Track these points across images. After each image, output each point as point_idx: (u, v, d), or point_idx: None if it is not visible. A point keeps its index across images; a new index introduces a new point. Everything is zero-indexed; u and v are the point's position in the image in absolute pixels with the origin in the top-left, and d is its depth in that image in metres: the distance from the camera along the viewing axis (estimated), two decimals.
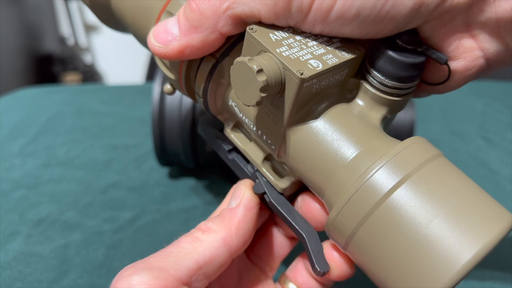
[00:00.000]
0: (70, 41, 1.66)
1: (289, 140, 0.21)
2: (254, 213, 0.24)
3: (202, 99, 0.24)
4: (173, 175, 0.48)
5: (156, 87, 0.42)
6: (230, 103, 0.24)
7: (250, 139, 0.25)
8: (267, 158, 0.25)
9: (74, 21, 1.63)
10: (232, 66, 0.20)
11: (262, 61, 0.19)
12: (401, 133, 0.42)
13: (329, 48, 0.20)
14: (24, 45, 1.46)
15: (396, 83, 0.20)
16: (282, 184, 0.24)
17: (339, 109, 0.21)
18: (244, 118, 0.23)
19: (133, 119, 0.58)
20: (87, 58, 1.72)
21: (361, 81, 0.22)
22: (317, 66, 0.19)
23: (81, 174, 0.47)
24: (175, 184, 0.47)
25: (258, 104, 0.19)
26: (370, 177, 0.19)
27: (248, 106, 0.20)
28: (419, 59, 0.20)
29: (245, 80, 0.19)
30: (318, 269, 0.22)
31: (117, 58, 1.60)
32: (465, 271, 0.17)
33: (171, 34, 0.22)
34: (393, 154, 0.19)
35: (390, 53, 0.20)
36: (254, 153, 0.25)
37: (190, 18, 0.21)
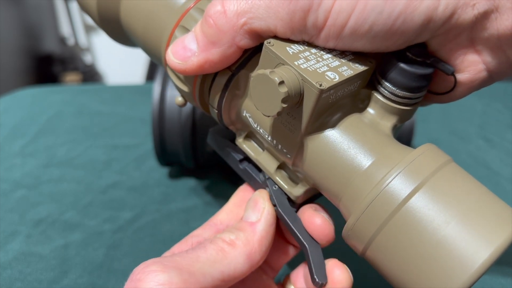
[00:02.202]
0: (70, 41, 1.66)
1: (305, 149, 0.22)
2: (274, 228, 0.25)
3: (216, 111, 0.25)
4: (173, 175, 0.48)
5: (156, 87, 0.42)
6: (244, 114, 0.24)
7: (263, 149, 0.26)
8: (280, 166, 0.25)
9: (74, 21, 1.63)
10: (252, 79, 0.20)
11: (283, 73, 0.19)
12: (402, 133, 0.42)
13: (343, 61, 0.21)
14: (24, 45, 1.46)
15: (406, 93, 0.21)
16: (296, 192, 0.25)
17: (353, 119, 0.22)
18: (258, 128, 0.24)
19: (133, 119, 0.58)
20: (87, 58, 1.72)
21: (373, 92, 0.22)
22: (334, 77, 0.20)
23: (81, 174, 0.47)
24: (175, 184, 0.47)
25: (278, 114, 0.20)
26: (388, 184, 0.19)
27: (268, 116, 0.21)
28: (428, 71, 0.21)
29: (266, 92, 0.20)
30: (317, 280, 0.23)
31: (117, 58, 1.60)
32: (481, 271, 0.18)
33: (190, 50, 0.22)
34: (408, 161, 0.20)
35: (402, 65, 0.21)
36: (267, 162, 0.25)
37: (208, 33, 0.22)
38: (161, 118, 0.41)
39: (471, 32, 0.20)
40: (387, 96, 0.22)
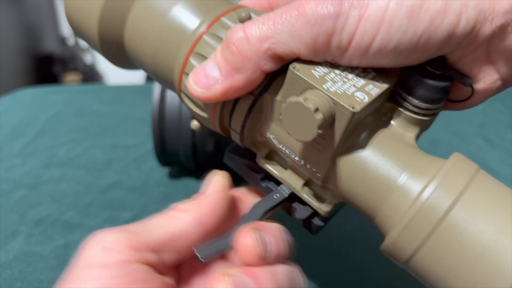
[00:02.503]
0: (70, 41, 1.66)
1: (337, 167, 0.22)
2: (225, 195, 0.25)
3: (239, 135, 0.25)
4: (173, 175, 0.48)
5: (156, 87, 0.42)
6: (267, 136, 0.24)
7: (285, 167, 0.26)
8: (306, 183, 0.25)
9: None
10: (285, 106, 0.20)
11: (315, 99, 0.20)
12: None
13: (368, 79, 0.22)
14: (24, 45, 1.46)
15: (429, 105, 0.22)
16: (326, 207, 0.25)
17: (381, 135, 0.23)
18: (284, 149, 0.24)
19: (133, 119, 0.58)
20: (87, 58, 1.72)
21: (395, 106, 0.23)
22: (363, 98, 0.20)
23: (81, 174, 0.47)
24: (175, 184, 0.47)
25: (313, 140, 0.20)
26: (427, 199, 0.20)
27: (302, 141, 0.21)
28: (448, 83, 0.22)
29: (300, 119, 0.20)
30: (197, 253, 0.24)
31: None
32: None
33: (212, 78, 0.22)
34: (443, 175, 0.20)
35: (426, 80, 0.22)
36: (292, 180, 0.25)
37: (231, 60, 0.22)
38: (161, 118, 0.41)
39: (488, 45, 0.21)
40: (410, 108, 0.23)
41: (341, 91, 0.20)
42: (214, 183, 0.26)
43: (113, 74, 1.76)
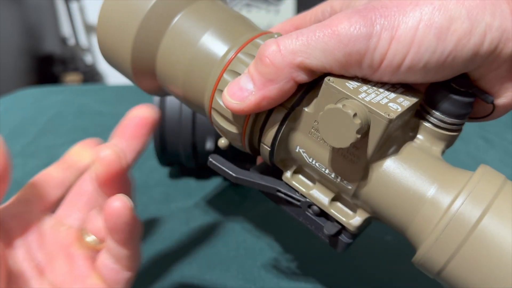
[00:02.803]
0: (71, 41, 1.66)
1: (368, 180, 0.23)
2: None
3: (269, 149, 0.25)
4: (174, 175, 0.48)
5: None
6: (297, 150, 0.25)
7: (314, 182, 0.26)
8: (334, 199, 0.26)
9: (75, 22, 1.63)
10: (322, 114, 0.21)
11: (353, 106, 0.20)
12: None
13: (398, 93, 0.23)
14: (25, 46, 1.46)
15: (455, 119, 0.23)
16: (355, 222, 0.25)
17: (409, 148, 0.23)
18: (314, 162, 0.24)
19: None
20: (87, 58, 1.73)
21: (421, 121, 0.24)
22: (396, 108, 0.21)
23: None
24: (175, 184, 0.47)
25: (350, 145, 0.21)
26: (458, 210, 0.21)
27: (338, 148, 0.22)
28: (472, 99, 0.23)
29: (338, 125, 0.21)
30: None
31: None
32: None
33: (246, 91, 0.23)
34: (472, 187, 0.21)
35: (453, 96, 0.23)
36: (320, 196, 0.26)
37: (264, 72, 0.22)
38: (162, 118, 0.42)
39: (511, 63, 0.22)
40: (436, 124, 0.23)
41: (375, 101, 0.21)
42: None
43: (114, 74, 1.76)
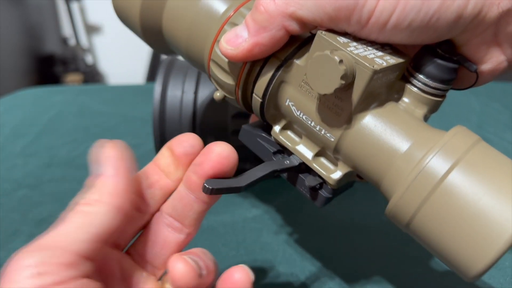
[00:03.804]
0: (72, 42, 1.67)
1: (350, 131, 0.24)
2: (126, 169, 0.24)
3: (261, 100, 0.27)
4: None
5: (157, 87, 0.42)
6: (287, 103, 0.26)
7: (300, 138, 0.27)
8: (318, 154, 0.27)
9: (76, 22, 1.63)
10: (310, 60, 0.23)
11: (341, 55, 0.22)
12: None
13: (385, 53, 0.24)
14: (25, 46, 1.46)
15: (438, 84, 0.24)
16: (336, 176, 0.26)
17: (391, 105, 0.24)
18: (301, 115, 0.26)
19: (134, 119, 0.58)
20: (88, 59, 1.73)
21: (407, 84, 0.25)
22: (382, 63, 0.22)
23: (83, 174, 0.47)
24: None
25: (335, 91, 0.22)
26: (427, 163, 0.22)
27: (323, 94, 0.23)
28: (456, 65, 0.24)
29: (325, 70, 0.22)
30: (206, 185, 0.23)
31: (118, 59, 1.61)
32: None
33: (241, 37, 0.24)
34: (443, 142, 0.22)
35: (438, 60, 0.24)
36: (305, 150, 0.27)
37: (258, 19, 0.24)
38: (162, 119, 0.42)
39: (495, 28, 0.23)
40: (420, 87, 0.24)
41: (363, 54, 0.22)
42: (108, 159, 0.24)
43: (114, 74, 1.76)
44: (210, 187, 0.23)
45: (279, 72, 0.25)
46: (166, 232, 0.26)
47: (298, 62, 0.25)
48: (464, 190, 0.21)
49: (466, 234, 0.21)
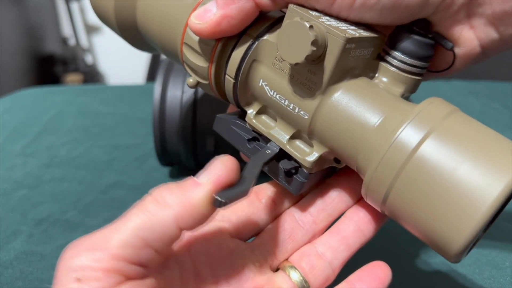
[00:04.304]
0: (72, 42, 1.66)
1: (323, 106, 0.23)
2: (219, 185, 0.22)
3: (233, 81, 0.26)
4: (174, 175, 0.48)
5: (157, 87, 0.42)
6: (260, 84, 0.25)
7: (275, 121, 0.26)
8: (293, 137, 0.26)
9: (76, 22, 1.63)
10: (280, 29, 0.22)
11: (312, 22, 0.21)
12: None
13: (359, 28, 0.23)
14: (25, 46, 1.46)
15: (413, 60, 0.24)
16: (310, 158, 0.25)
17: (364, 80, 0.24)
18: (275, 95, 0.25)
19: (134, 119, 0.58)
20: (88, 59, 1.73)
21: (382, 63, 0.24)
22: (354, 33, 0.22)
23: (82, 174, 0.47)
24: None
25: (306, 59, 0.21)
26: (399, 135, 0.21)
27: (294, 64, 0.22)
28: (431, 41, 0.24)
29: (295, 37, 0.21)
30: (218, 198, 0.21)
31: (118, 59, 1.60)
32: (494, 207, 0.19)
33: (210, 11, 0.24)
34: (416, 112, 0.21)
35: (412, 35, 0.23)
36: (280, 133, 0.26)
37: None
38: (162, 118, 0.42)
39: (468, 8, 0.22)
40: (396, 65, 0.24)
41: (335, 25, 0.22)
42: (211, 174, 0.22)
43: (114, 74, 1.76)
44: (223, 200, 0.21)
45: (251, 50, 0.25)
46: (294, 223, 0.27)
47: (270, 39, 0.24)
48: (439, 161, 0.20)
49: (444, 208, 0.19)
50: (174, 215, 0.20)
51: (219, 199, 0.21)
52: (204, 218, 0.21)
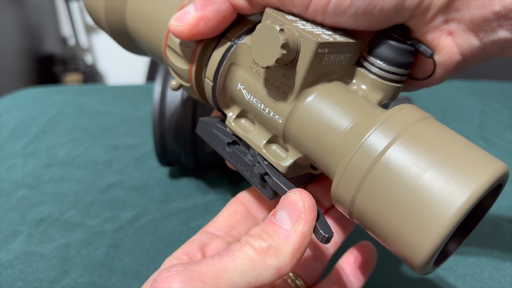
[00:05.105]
0: (71, 42, 1.66)
1: (296, 111, 0.23)
2: (310, 239, 0.22)
3: (212, 83, 0.26)
4: (174, 175, 0.48)
5: (156, 87, 0.42)
6: (238, 87, 0.25)
7: (253, 125, 0.27)
8: (270, 141, 0.26)
9: (75, 22, 1.63)
10: (253, 33, 0.22)
11: (284, 27, 0.21)
12: None
13: (336, 33, 0.23)
14: (25, 46, 1.46)
15: (392, 67, 0.23)
16: (285, 163, 0.25)
17: (340, 85, 0.24)
18: (252, 98, 0.25)
19: (133, 119, 0.58)
20: (88, 59, 1.73)
21: (360, 69, 0.24)
22: (328, 38, 0.22)
23: (82, 174, 0.47)
24: (175, 184, 0.47)
25: (277, 62, 0.21)
26: (365, 140, 0.20)
27: (265, 67, 0.22)
28: (410, 48, 0.23)
29: (266, 41, 0.21)
30: (323, 234, 0.22)
31: (118, 59, 1.60)
32: (458, 216, 0.18)
33: (189, 13, 0.24)
34: (385, 117, 0.21)
35: (390, 41, 0.23)
36: (257, 137, 0.26)
37: None
38: (162, 118, 0.42)
39: (445, 14, 0.22)
40: (375, 72, 0.24)
41: (309, 29, 0.22)
42: (297, 217, 0.21)
43: (114, 74, 1.76)
44: (330, 235, 0.22)
45: (229, 53, 0.25)
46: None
47: (248, 42, 0.24)
48: (403, 167, 0.19)
49: (407, 217, 0.19)
50: (275, 265, 0.20)
51: (326, 235, 0.22)
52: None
